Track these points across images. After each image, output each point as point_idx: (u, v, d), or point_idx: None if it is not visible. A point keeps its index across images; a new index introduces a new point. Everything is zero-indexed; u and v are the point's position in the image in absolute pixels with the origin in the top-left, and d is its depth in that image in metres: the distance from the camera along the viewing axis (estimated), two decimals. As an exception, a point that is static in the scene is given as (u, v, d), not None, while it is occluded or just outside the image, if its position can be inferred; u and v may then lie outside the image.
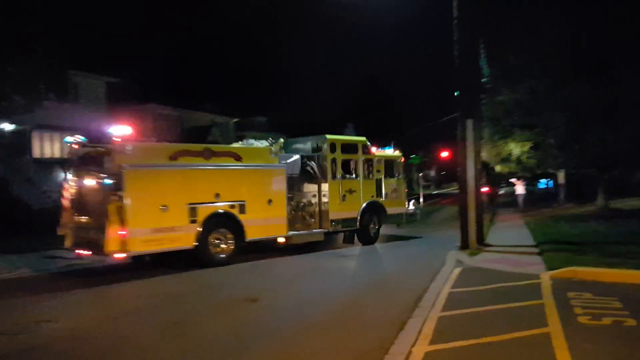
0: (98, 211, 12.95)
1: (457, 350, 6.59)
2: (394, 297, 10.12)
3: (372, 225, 18.76)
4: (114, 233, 12.41)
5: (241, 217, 14.73)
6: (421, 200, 22.02)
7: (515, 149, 23.33)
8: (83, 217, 13.74)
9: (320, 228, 17.34)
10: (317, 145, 17.66)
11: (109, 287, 12.03)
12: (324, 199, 17.36)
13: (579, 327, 7.29)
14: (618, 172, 26.70)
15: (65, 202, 14.14)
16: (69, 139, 14.37)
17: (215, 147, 15.34)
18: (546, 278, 10.68)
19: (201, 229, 13.85)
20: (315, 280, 12.43)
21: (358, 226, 18.24)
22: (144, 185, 12.96)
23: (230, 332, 8.00)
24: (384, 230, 19.79)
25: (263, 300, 10.09)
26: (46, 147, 28.97)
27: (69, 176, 14.24)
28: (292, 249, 16.78)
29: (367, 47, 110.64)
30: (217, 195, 14.28)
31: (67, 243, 14.14)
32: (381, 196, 18.98)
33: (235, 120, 53.02)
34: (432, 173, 27.56)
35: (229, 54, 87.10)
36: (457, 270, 12.36)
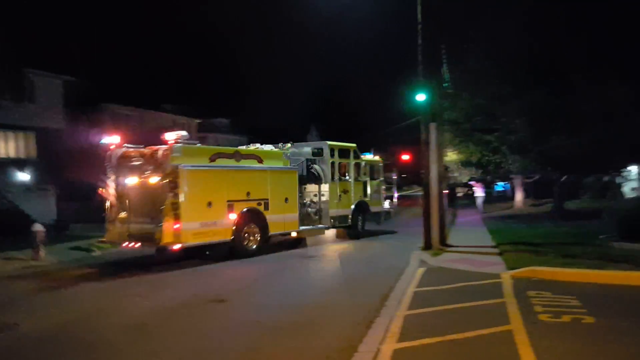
0: (150, 207, 14.11)
1: (424, 348, 6.73)
2: (361, 296, 10.23)
3: (359, 223, 20.95)
4: (170, 227, 13.76)
5: (265, 213, 16.45)
6: (395, 200, 24.32)
7: (476, 152, 23.87)
8: (132, 213, 14.84)
9: (321, 224, 19.19)
10: (318, 150, 19.34)
11: (73, 289, 11.76)
12: (324, 198, 19.29)
13: (540, 324, 7.53)
14: (574, 175, 27.61)
15: (111, 199, 15.18)
16: (105, 140, 15.53)
17: (242, 150, 16.97)
18: (507, 277, 10.96)
19: (236, 224, 15.50)
20: (284, 281, 12.45)
21: (350, 223, 20.35)
22: (194, 183, 14.32)
23: (198, 333, 7.95)
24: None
25: (231, 301, 10.06)
26: (1, 146, 28.12)
27: (109, 176, 15.25)
28: (261, 250, 16.86)
29: (331, 52, 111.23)
30: (248, 193, 15.99)
31: (109, 237, 15.25)
32: (366, 196, 21.35)
33: (197, 121, 52.53)
34: (394, 176, 27.91)
35: (191, 55, 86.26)
36: (421, 270, 12.55)
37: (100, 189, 15.42)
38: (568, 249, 13.80)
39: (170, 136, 14.49)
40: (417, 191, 74.32)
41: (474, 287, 10.37)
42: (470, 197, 44.89)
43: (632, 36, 19.07)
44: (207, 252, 15.39)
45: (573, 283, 10.30)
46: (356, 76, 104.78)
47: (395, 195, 24.49)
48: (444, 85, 20.95)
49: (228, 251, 15.42)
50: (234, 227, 15.38)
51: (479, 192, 34.70)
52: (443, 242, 16.35)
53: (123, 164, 15.15)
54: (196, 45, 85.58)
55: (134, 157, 14.93)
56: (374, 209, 21.66)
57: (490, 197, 47.82)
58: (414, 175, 66.52)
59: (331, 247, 18.77)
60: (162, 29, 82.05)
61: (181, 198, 13.89)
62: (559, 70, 20.89)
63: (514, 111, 20.97)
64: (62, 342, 7.82)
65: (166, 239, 13.73)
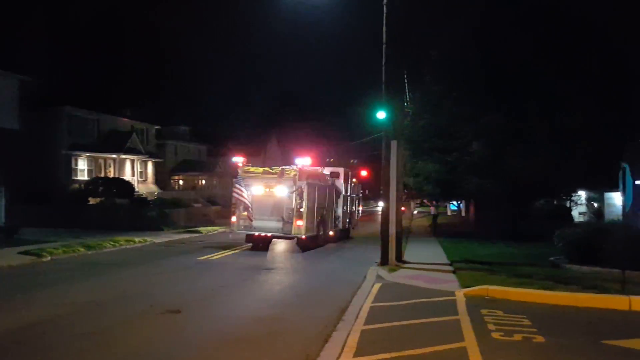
0: (281, 210, 20.75)
1: (381, 363, 6.81)
2: (319, 310, 10.24)
3: (350, 228, 28.89)
4: (296, 224, 20.56)
5: (327, 215, 23.70)
6: (359, 213, 31.08)
7: (434, 170, 24.28)
8: (255, 212, 20.82)
9: (342, 228, 26.62)
10: (334, 171, 25.89)
11: (27, 295, 11.38)
12: (342, 209, 26.41)
13: (493, 342, 7.69)
14: (524, 197, 28.47)
15: (243, 202, 20.94)
16: (236, 159, 21.89)
17: (323, 171, 24.83)
18: (460, 295, 11.15)
19: (319, 223, 22.44)
20: (242, 293, 12.35)
21: (346, 227, 27.81)
22: (310, 195, 21.09)
23: (153, 345, 7.83)
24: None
25: (187, 312, 9.92)
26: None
27: (240, 185, 21.03)
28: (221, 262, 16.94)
29: (296, 64, 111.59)
30: (328, 204, 23.63)
31: (236, 227, 21.36)
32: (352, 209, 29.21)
33: (156, 127, 51.80)
34: (361, 191, 29.28)
35: (152, 61, 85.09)
36: (378, 285, 12.60)
37: (235, 193, 21.13)
38: (520, 270, 14.06)
39: (299, 161, 22.25)
40: (374, 207, 75.37)
41: (429, 303, 10.49)
42: (425, 214, 45.76)
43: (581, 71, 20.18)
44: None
45: (524, 303, 10.50)
46: (319, 90, 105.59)
47: (360, 209, 31.12)
48: (405, 104, 21.40)
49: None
50: (319, 225, 22.52)
51: (433, 210, 35.49)
52: (400, 258, 16.60)
53: (247, 176, 21.27)
54: (157, 51, 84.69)
55: (257, 173, 21.27)
56: (353, 219, 29.36)
57: (442, 215, 48.55)
58: (371, 192, 66.89)
59: (290, 259, 18.82)
60: (122, 34, 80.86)
61: (305, 204, 20.61)
62: (516, 95, 21.57)
63: (473, 132, 21.52)
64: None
65: (294, 232, 20.57)
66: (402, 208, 31.02)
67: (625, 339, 7.97)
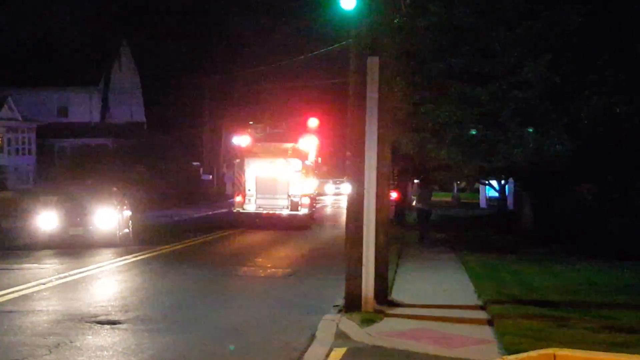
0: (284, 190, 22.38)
1: None
2: None
3: None
4: (292, 202, 22.36)
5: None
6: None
7: (452, 117, 14.91)
8: (267, 192, 22.18)
9: None
10: None
11: None
12: None
13: None
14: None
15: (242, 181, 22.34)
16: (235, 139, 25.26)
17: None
18: (505, 369, 6.64)
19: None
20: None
21: None
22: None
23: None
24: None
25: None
26: None
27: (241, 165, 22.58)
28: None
29: None
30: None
31: (243, 208, 22.25)
32: None
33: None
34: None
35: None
36: (338, 354, 7.65)
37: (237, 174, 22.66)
38: (618, 316, 9.15)
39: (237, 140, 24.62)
40: (334, 192, 49.80)
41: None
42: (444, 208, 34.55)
43: None
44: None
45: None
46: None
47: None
48: None
49: None
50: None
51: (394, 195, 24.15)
52: (384, 293, 9.18)
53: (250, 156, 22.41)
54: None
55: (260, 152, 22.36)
56: None
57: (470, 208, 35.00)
58: (334, 164, 40.15)
59: (163, 295, 10.83)
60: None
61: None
62: None
63: (530, 43, 13.09)
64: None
65: (292, 209, 21.72)
66: (392, 193, 22.12)
67: None
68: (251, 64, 39.07)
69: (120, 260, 14.45)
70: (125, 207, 17.74)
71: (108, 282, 12.49)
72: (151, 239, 18.05)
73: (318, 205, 29.37)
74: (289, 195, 21.96)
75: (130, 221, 17.80)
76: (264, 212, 22.14)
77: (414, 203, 22.30)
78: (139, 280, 12.39)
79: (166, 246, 16.92)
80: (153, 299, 10.49)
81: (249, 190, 22.09)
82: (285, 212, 22.12)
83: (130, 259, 14.62)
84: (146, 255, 15.23)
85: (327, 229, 24.13)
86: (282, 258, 16.10)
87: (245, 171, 22.15)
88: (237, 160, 22.94)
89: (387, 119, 9.16)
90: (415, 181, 25.20)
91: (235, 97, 45.07)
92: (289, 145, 22.50)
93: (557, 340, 7.71)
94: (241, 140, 23.12)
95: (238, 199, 22.46)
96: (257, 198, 22.02)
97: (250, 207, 22.08)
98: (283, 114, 36.39)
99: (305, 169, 22.52)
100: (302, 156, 22.57)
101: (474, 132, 15.15)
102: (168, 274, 13.11)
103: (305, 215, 22.36)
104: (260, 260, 15.38)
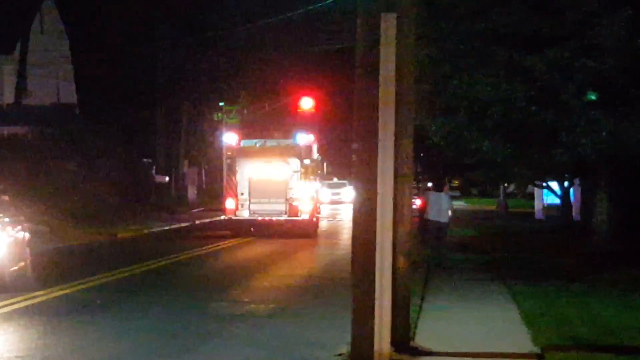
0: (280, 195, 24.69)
1: None
2: None
3: None
4: (291, 206, 24.57)
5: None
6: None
7: (496, 95, 13.84)
8: (263, 196, 24.80)
9: None
10: None
11: None
12: None
13: None
14: None
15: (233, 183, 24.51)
16: (226, 138, 26.22)
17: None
18: None
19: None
20: None
21: None
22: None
23: None
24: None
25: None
26: None
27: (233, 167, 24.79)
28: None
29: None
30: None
31: (237, 213, 24.69)
32: None
33: None
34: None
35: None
36: None
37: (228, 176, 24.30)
38: None
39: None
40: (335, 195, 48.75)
41: None
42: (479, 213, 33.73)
43: None
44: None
45: None
46: None
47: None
48: None
49: None
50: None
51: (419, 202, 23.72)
52: (405, 338, 8.84)
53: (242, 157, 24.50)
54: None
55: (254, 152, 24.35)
56: None
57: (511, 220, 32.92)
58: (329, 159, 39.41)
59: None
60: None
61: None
62: None
63: None
64: None
65: (290, 214, 24.92)
66: (416, 200, 20.45)
67: None
68: (223, 23, 35.88)
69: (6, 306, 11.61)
70: (19, 226, 14.04)
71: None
72: (67, 273, 15.57)
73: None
74: (287, 199, 24.07)
75: (28, 249, 14.26)
76: (259, 218, 24.28)
77: (425, 215, 20.47)
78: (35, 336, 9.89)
79: (91, 280, 14.76)
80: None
81: (242, 194, 24.21)
82: (284, 217, 24.21)
83: (22, 303, 12.10)
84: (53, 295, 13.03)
85: (328, 243, 24.48)
86: (265, 288, 14.70)
87: (236, 172, 24.24)
88: (228, 160, 24.99)
89: (410, 98, 8.91)
90: (429, 184, 26.22)
91: (200, 70, 41.42)
92: (286, 141, 24.69)
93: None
94: (231, 137, 25.04)
95: (229, 204, 24.32)
96: (250, 203, 24.15)
97: (243, 213, 24.22)
98: (266, 92, 36.08)
99: (305, 169, 24.29)
100: (302, 154, 24.45)
101: (528, 115, 13.99)
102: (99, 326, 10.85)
103: (306, 221, 24.12)
104: (235, 292, 14.21)
